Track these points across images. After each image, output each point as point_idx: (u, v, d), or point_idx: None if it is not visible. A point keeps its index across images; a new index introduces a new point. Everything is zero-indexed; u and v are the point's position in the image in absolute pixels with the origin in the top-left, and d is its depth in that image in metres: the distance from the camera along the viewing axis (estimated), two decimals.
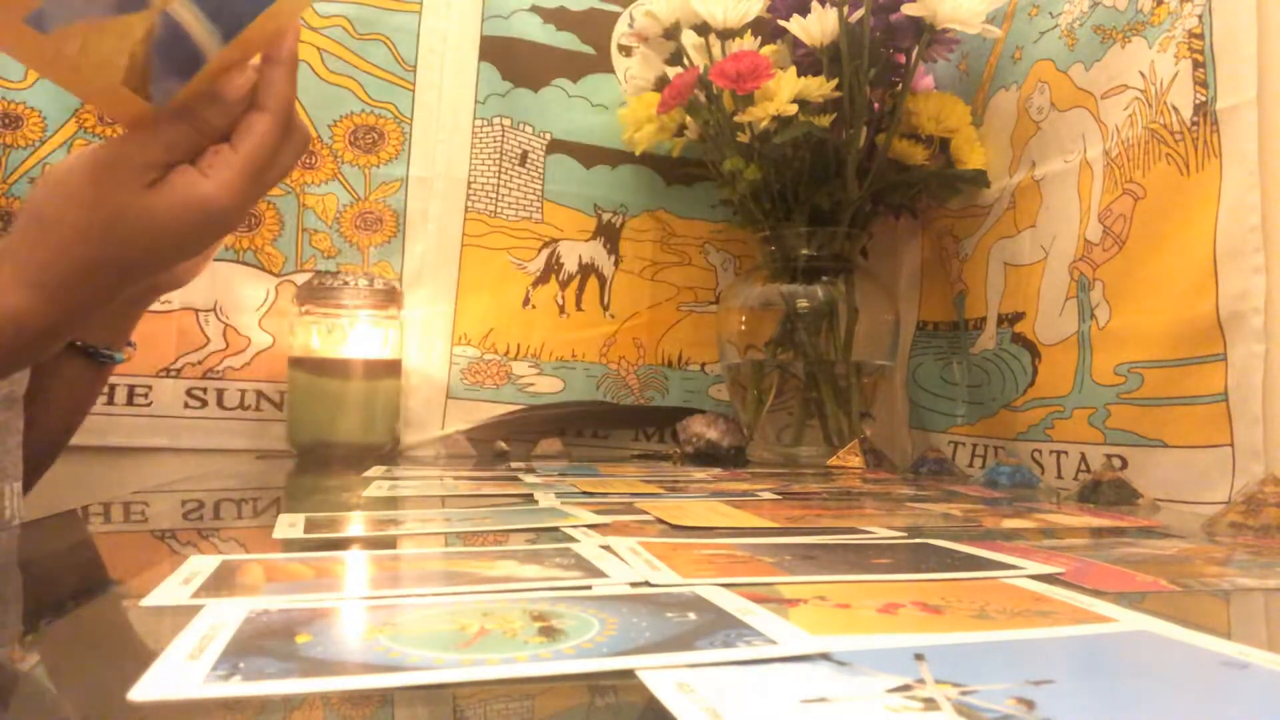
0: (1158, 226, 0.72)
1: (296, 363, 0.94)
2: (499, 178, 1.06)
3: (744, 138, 0.92)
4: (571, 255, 1.07)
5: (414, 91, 1.04)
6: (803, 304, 0.97)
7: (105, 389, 0.81)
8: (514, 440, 1.01)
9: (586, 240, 1.08)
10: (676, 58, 0.99)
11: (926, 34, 0.90)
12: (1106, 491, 0.65)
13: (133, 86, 0.41)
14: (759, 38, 0.96)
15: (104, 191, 0.43)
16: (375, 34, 1.03)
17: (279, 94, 0.45)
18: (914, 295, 1.08)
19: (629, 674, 0.23)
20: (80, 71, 0.39)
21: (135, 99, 0.41)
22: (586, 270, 1.08)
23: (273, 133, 0.44)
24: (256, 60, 0.45)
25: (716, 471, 0.83)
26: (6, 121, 0.92)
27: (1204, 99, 0.68)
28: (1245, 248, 0.65)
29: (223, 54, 0.42)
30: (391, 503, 0.60)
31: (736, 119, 0.92)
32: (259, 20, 0.42)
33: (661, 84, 0.98)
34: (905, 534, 0.47)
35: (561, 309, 1.07)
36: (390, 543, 0.46)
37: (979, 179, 0.94)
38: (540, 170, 1.07)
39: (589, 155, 1.08)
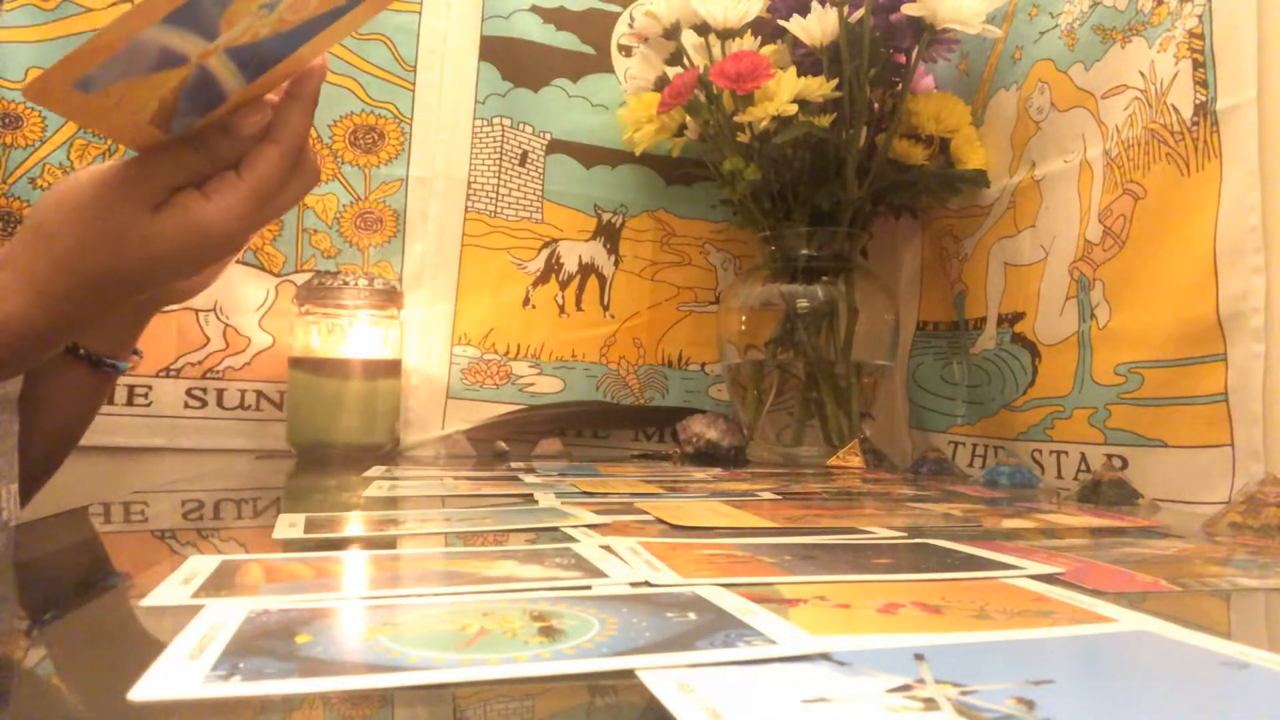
0: (1158, 226, 0.72)
1: (296, 363, 0.94)
2: (499, 178, 1.06)
3: (744, 138, 0.92)
4: (571, 255, 1.07)
5: (414, 91, 1.04)
6: (803, 304, 0.97)
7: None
8: (514, 440, 1.01)
9: (586, 240, 1.08)
10: (676, 58, 0.99)
11: (926, 34, 0.90)
12: (1106, 491, 0.65)
13: (155, 124, 0.42)
14: (759, 38, 0.96)
15: (108, 209, 0.43)
16: (375, 34, 1.03)
17: (293, 128, 0.45)
18: (914, 295, 1.08)
19: (629, 674, 0.23)
20: (111, 117, 0.40)
21: (155, 132, 0.42)
22: (586, 270, 1.08)
23: (280, 164, 0.45)
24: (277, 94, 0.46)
25: (716, 471, 0.83)
26: (6, 121, 0.92)
27: (1204, 99, 0.68)
28: (1245, 248, 0.65)
29: (244, 91, 0.43)
30: (391, 503, 0.60)
31: (736, 119, 0.92)
32: (284, 63, 0.43)
33: (661, 84, 0.98)
34: (905, 534, 0.47)
35: (561, 309, 1.07)
36: (390, 543, 0.46)
37: (979, 179, 0.94)
38: (540, 170, 1.07)
39: (589, 155, 1.08)
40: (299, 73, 0.45)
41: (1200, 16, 0.69)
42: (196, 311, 0.98)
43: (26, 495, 0.70)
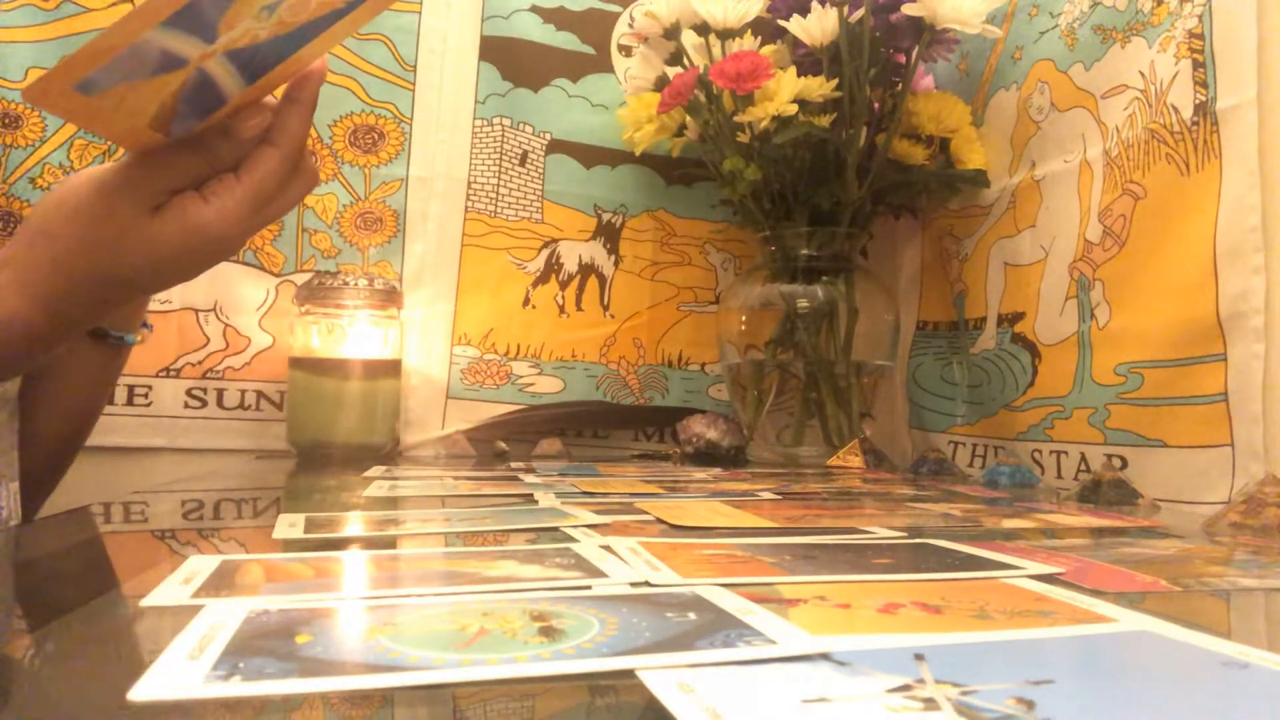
0: (1158, 226, 0.72)
1: (296, 363, 0.94)
2: (499, 178, 1.06)
3: (744, 138, 0.92)
4: (571, 255, 1.07)
5: (414, 91, 1.04)
6: (803, 304, 0.97)
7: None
8: (514, 440, 1.01)
9: (586, 240, 1.08)
10: (676, 58, 0.99)
11: (926, 34, 0.90)
12: (1106, 491, 0.65)
13: (155, 127, 0.42)
14: (759, 38, 0.96)
15: (108, 210, 0.44)
16: (375, 34, 1.02)
17: (292, 132, 0.46)
18: (914, 295, 1.08)
19: (629, 674, 0.23)
20: (110, 120, 0.41)
21: (155, 135, 0.42)
22: (586, 270, 1.08)
23: (279, 168, 0.45)
24: (277, 96, 0.46)
25: (716, 471, 0.83)
26: (6, 121, 0.92)
27: (1204, 99, 0.68)
28: (1245, 248, 0.65)
29: (244, 93, 0.43)
30: (391, 503, 0.60)
31: (736, 119, 0.92)
32: (283, 65, 0.43)
33: (661, 84, 0.98)
34: (905, 534, 0.47)
35: (561, 309, 1.07)
36: (390, 543, 0.46)
37: (979, 179, 0.94)
38: (540, 170, 1.07)
39: (589, 155, 1.08)
40: (298, 75, 0.45)
41: (1200, 16, 0.68)
42: (196, 311, 0.98)
43: (38, 495, 0.70)
